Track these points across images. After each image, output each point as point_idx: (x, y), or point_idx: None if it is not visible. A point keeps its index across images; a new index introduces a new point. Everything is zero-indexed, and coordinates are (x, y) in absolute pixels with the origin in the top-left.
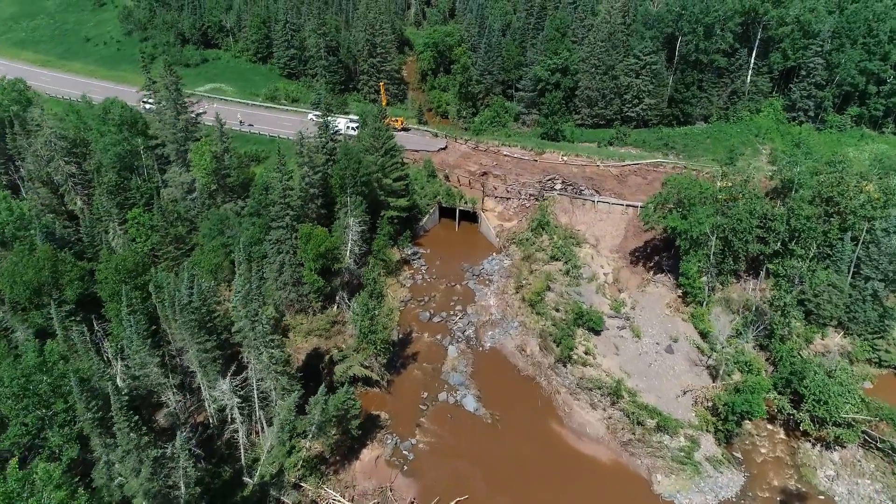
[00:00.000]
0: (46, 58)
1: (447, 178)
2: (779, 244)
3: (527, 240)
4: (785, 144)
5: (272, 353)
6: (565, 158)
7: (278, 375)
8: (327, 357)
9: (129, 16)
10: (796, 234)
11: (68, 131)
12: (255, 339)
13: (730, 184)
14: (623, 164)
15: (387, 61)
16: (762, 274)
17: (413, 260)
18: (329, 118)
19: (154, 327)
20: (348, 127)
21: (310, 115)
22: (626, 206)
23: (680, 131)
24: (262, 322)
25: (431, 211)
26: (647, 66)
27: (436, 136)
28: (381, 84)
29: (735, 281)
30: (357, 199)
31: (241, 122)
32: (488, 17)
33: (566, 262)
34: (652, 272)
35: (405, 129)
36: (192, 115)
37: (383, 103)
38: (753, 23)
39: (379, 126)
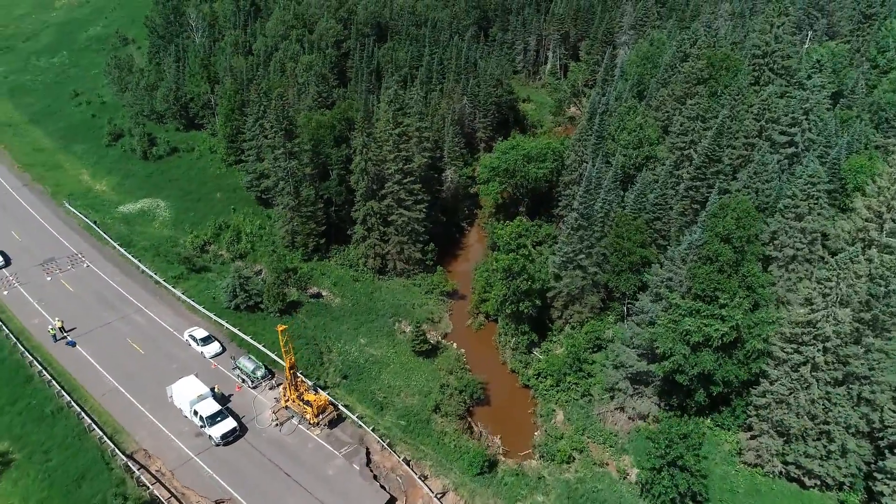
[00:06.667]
0: (15, 118)
1: None
2: None
3: None
4: None
5: None
6: None
7: None
8: None
9: (116, 68)
10: None
11: None
12: None
13: None
14: None
15: (404, 206)
16: None
17: None
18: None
19: None
20: (204, 420)
21: (185, 335)
22: None
23: None
24: None
25: None
26: None
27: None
28: (277, 328)
29: None
30: None
31: (58, 330)
32: (605, 143)
33: None
34: None
35: (323, 425)
36: None
37: (286, 363)
38: None
39: None
